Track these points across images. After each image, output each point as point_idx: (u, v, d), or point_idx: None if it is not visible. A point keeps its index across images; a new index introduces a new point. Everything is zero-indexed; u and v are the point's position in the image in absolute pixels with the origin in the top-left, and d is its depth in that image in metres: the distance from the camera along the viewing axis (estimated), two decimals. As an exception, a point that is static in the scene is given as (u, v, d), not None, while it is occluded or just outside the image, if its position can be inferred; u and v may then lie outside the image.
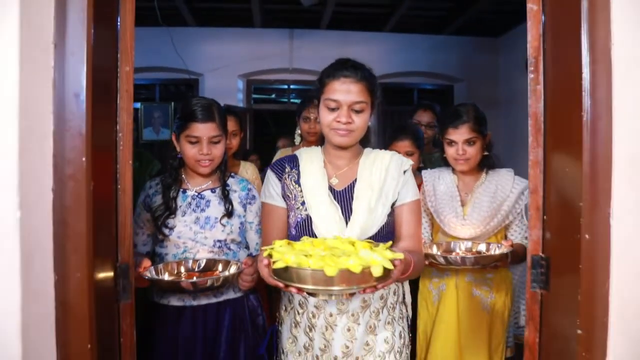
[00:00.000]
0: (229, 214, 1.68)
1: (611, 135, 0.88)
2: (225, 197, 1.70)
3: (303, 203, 1.40)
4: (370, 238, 1.33)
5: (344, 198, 1.40)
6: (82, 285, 0.91)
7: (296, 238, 1.34)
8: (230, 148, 2.22)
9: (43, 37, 0.88)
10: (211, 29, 5.19)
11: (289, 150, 2.73)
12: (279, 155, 2.71)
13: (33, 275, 0.85)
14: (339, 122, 1.34)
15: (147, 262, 1.53)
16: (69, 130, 0.90)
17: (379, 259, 1.02)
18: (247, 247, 1.78)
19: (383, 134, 3.49)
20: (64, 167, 0.90)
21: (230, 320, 1.67)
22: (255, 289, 1.74)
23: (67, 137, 0.90)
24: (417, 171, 2.11)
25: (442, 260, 1.68)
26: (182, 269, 1.59)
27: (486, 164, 1.92)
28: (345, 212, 1.37)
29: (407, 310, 1.54)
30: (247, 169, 2.41)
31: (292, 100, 5.80)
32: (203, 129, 1.62)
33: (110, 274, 1.04)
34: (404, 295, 1.53)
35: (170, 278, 1.54)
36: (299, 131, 2.61)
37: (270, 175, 1.48)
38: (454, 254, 1.77)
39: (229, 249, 1.70)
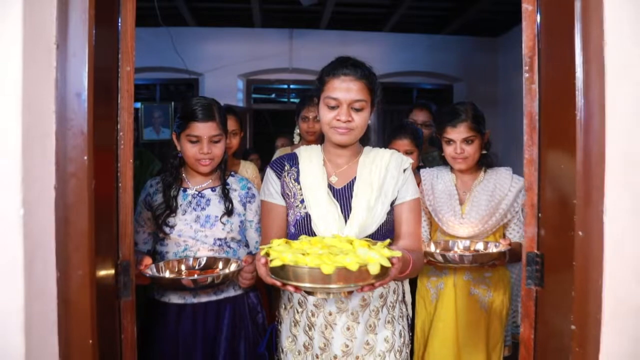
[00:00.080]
0: (229, 212, 1.69)
1: (604, 133, 0.90)
2: (226, 196, 1.71)
3: (302, 201, 1.39)
4: (369, 236, 1.33)
5: (343, 196, 1.40)
6: (83, 282, 0.92)
7: (295, 236, 1.34)
8: (230, 147, 2.23)
9: (45, 38, 0.89)
10: (211, 29, 5.20)
11: (288, 150, 2.73)
12: (278, 154, 2.72)
13: (36, 271, 0.86)
14: (338, 120, 1.34)
15: (148, 260, 1.54)
16: (70, 129, 0.92)
17: (377, 256, 1.02)
18: (247, 246, 1.79)
19: (383, 133, 3.50)
20: (65, 166, 0.91)
21: (230, 317, 1.68)
22: (255, 287, 1.76)
23: (69, 136, 0.92)
24: (416, 170, 2.12)
25: (440, 258, 1.68)
26: (183, 267, 1.60)
27: (484, 162, 1.92)
28: (345, 210, 1.37)
29: (407, 309, 1.54)
30: (247, 168, 2.42)
31: (292, 100, 5.81)
32: (203, 129, 1.63)
33: (111, 271, 1.06)
34: (403, 294, 1.53)
35: (171, 276, 1.55)
36: (298, 130, 2.62)
37: (269, 173, 1.48)
38: (451, 252, 1.78)
39: (229, 247, 1.71)
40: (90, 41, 0.93)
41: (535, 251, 1.07)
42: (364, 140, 1.49)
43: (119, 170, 1.08)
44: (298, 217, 1.39)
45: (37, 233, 0.87)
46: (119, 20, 1.07)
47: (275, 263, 1.03)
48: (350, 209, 1.37)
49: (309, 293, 1.08)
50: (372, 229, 1.36)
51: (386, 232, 1.39)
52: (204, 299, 1.66)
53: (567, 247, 0.96)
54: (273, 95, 6.36)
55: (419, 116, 2.81)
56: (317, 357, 1.40)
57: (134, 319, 1.10)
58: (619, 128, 0.90)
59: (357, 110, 1.35)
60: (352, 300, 1.38)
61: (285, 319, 1.49)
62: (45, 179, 0.89)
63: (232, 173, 1.83)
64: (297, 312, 1.44)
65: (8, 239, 0.82)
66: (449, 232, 1.90)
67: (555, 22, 1.02)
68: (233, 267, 1.56)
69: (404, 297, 1.53)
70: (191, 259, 1.62)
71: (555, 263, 1.03)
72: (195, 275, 1.51)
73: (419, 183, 1.87)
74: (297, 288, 1.05)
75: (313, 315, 1.40)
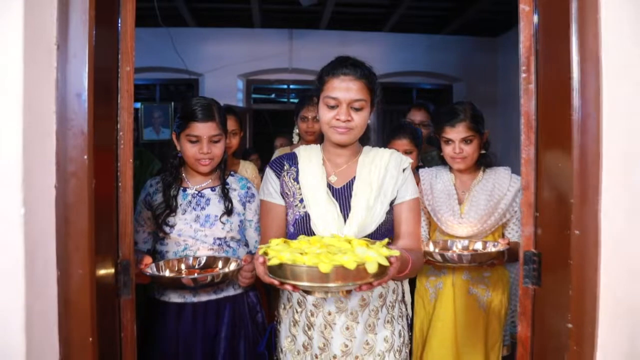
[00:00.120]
0: (229, 212, 1.70)
1: (600, 133, 0.90)
2: (225, 196, 1.72)
3: (301, 200, 1.39)
4: (368, 236, 1.33)
5: (342, 196, 1.40)
6: (83, 281, 0.93)
7: (294, 235, 1.35)
8: (229, 147, 2.24)
9: (46, 39, 0.90)
10: (211, 29, 5.21)
11: (287, 149, 2.74)
12: (277, 154, 2.73)
13: (36, 270, 0.87)
14: (338, 119, 1.34)
15: (148, 259, 1.55)
16: (71, 129, 0.93)
17: (375, 255, 1.02)
18: (247, 245, 1.80)
19: (382, 133, 3.51)
20: (66, 165, 0.92)
21: (230, 316, 1.69)
22: (255, 286, 1.76)
23: (70, 135, 0.92)
24: (415, 170, 2.12)
25: (438, 257, 1.69)
26: (183, 266, 1.61)
27: (483, 162, 1.92)
28: (344, 210, 1.37)
29: (406, 309, 1.53)
30: (247, 168, 2.43)
31: (291, 100, 5.82)
32: (203, 128, 1.64)
33: (111, 270, 1.06)
34: (403, 293, 1.53)
35: (171, 274, 1.56)
36: (297, 130, 2.63)
37: (269, 173, 1.48)
38: (450, 252, 1.78)
39: (229, 246, 1.72)
40: (90, 42, 0.93)
41: (533, 250, 1.08)
42: (364, 140, 1.49)
43: (119, 169, 1.08)
44: (297, 217, 1.39)
45: (37, 232, 0.88)
46: (119, 21, 1.08)
47: (273, 262, 1.02)
48: (350, 209, 1.37)
49: (307, 292, 1.08)
50: (371, 228, 1.35)
51: (385, 231, 1.39)
52: (203, 298, 1.66)
53: (564, 246, 0.97)
54: (273, 96, 6.37)
55: (416, 116, 2.82)
56: (317, 357, 1.40)
57: (134, 317, 1.11)
58: (615, 127, 0.91)
59: (357, 109, 1.34)
60: (352, 300, 1.37)
61: (285, 318, 1.48)
62: (46, 178, 0.90)
63: (232, 173, 1.84)
64: (297, 312, 1.44)
65: (10, 238, 0.83)
66: (447, 232, 1.90)
67: (552, 22, 1.03)
68: (233, 266, 1.57)
69: (403, 296, 1.53)
70: (191, 258, 1.63)
71: (553, 262, 1.04)
72: (195, 274, 1.51)
73: (417, 183, 1.87)
74: (295, 287, 1.04)
75: (312, 315, 1.40)
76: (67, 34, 0.92)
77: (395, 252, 1.07)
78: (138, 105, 5.26)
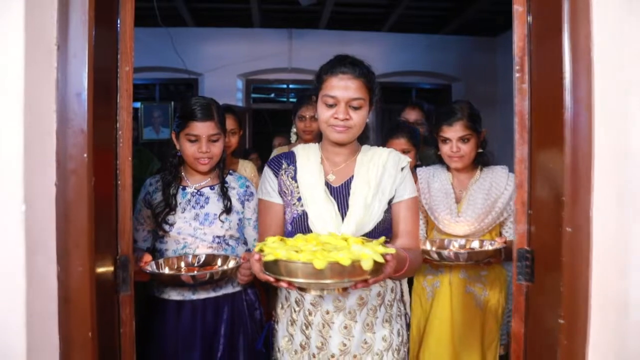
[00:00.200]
0: (228, 210, 1.71)
1: (592, 132, 0.92)
2: (224, 194, 1.73)
3: (299, 199, 1.39)
4: (366, 235, 1.33)
5: (340, 194, 1.39)
6: (83, 277, 0.94)
7: (292, 234, 1.34)
8: (229, 146, 2.25)
9: (46, 39, 0.91)
10: (210, 29, 5.22)
11: (285, 149, 2.74)
12: (275, 153, 2.74)
13: (37, 266, 0.88)
14: (336, 118, 1.33)
15: (148, 257, 1.56)
16: (71, 128, 0.94)
17: (370, 252, 1.01)
18: (246, 243, 1.81)
19: (381, 132, 3.52)
20: (66, 163, 0.93)
21: (229, 314, 1.70)
22: (253, 283, 1.78)
23: (70, 134, 0.94)
24: (413, 169, 2.13)
25: (435, 256, 1.69)
26: (182, 264, 1.62)
27: (481, 161, 1.93)
28: (342, 208, 1.37)
29: (405, 308, 1.53)
30: (246, 167, 2.44)
31: (291, 100, 5.82)
32: (202, 128, 1.66)
33: (111, 266, 1.08)
34: (402, 292, 1.53)
35: (171, 272, 1.57)
36: (295, 130, 2.64)
37: (267, 171, 1.48)
38: (447, 250, 1.78)
39: (228, 244, 1.73)
40: (90, 42, 0.95)
41: (526, 247, 1.09)
42: (363, 139, 1.49)
43: (118, 167, 1.09)
44: (295, 215, 1.40)
45: (38, 229, 0.89)
46: (118, 21, 1.09)
47: (268, 258, 1.02)
48: (347, 207, 1.37)
49: (303, 290, 1.08)
50: (369, 227, 1.35)
51: (383, 230, 1.39)
52: (202, 295, 1.67)
53: (556, 243, 0.98)
54: (272, 95, 6.38)
55: (411, 115, 2.82)
56: (314, 357, 1.39)
57: (133, 313, 1.12)
58: (607, 126, 0.92)
59: (355, 108, 1.34)
60: (350, 298, 1.37)
61: (282, 318, 1.48)
62: (46, 176, 0.92)
63: (231, 171, 1.85)
64: (294, 311, 1.44)
65: (10, 234, 0.85)
66: (445, 231, 1.90)
67: (544, 22, 1.04)
68: (232, 263, 1.58)
69: (402, 295, 1.53)
70: (190, 256, 1.64)
71: (545, 259, 1.05)
72: (195, 272, 1.53)
73: (415, 182, 1.88)
74: (290, 284, 1.04)
75: (310, 314, 1.40)
76: (67, 34, 0.93)
77: (391, 250, 1.07)
78: (138, 104, 5.26)
